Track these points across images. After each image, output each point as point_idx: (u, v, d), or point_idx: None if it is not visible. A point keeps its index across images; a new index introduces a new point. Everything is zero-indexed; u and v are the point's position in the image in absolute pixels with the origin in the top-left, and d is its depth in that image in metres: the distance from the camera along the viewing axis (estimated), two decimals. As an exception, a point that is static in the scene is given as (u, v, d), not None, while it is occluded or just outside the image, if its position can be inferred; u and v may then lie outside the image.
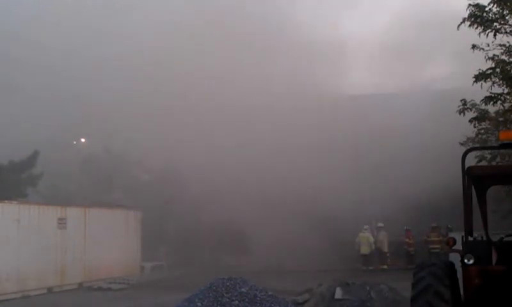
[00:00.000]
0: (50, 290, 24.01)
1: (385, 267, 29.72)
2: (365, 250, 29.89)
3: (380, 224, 30.87)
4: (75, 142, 33.14)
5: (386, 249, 30.34)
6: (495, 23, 19.70)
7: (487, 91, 19.78)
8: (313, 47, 34.12)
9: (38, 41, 32.12)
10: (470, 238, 10.06)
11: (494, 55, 19.81)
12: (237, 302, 14.53)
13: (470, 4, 19.70)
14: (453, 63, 31.23)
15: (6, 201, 23.24)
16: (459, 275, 9.99)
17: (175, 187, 30.68)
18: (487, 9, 19.62)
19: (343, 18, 39.74)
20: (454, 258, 10.47)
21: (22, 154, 30.14)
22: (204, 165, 30.68)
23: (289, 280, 23.36)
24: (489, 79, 19.62)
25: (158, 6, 34.61)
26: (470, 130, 21.12)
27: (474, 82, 19.60)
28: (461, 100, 20.22)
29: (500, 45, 19.71)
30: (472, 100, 20.26)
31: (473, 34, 19.90)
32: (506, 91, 19.66)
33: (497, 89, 19.81)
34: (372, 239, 30.22)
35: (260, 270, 24.58)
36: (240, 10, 34.20)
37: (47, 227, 24.13)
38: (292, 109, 31.34)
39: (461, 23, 19.90)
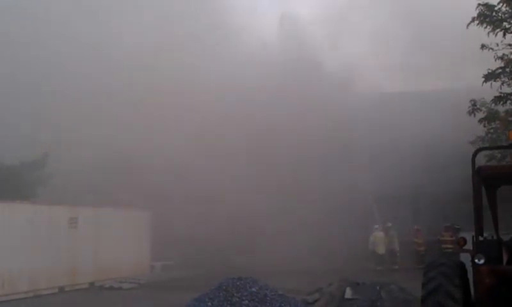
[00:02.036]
0: (61, 289, 24.11)
1: (396, 267, 29.63)
2: (381, 249, 29.84)
3: (389, 224, 30.80)
4: (85, 143, 33.19)
5: (397, 249, 30.28)
6: (505, 23, 19.72)
7: (496, 90, 19.80)
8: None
9: (47, 41, 32.29)
10: (481, 238, 10.08)
11: (503, 54, 19.83)
12: (247, 301, 14.58)
13: (479, 4, 19.74)
14: (461, 62, 31.18)
15: (18, 201, 23.36)
16: (470, 275, 10.00)
17: (184, 187, 30.72)
18: (496, 8, 19.65)
19: (350, 15, 39.54)
20: (465, 257, 10.48)
21: (33, 154, 30.26)
22: (213, 165, 30.76)
23: (298, 280, 23.34)
24: (498, 79, 19.64)
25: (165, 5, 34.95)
26: (480, 129, 21.15)
27: (484, 82, 19.61)
28: (470, 101, 20.24)
29: (510, 45, 19.74)
30: (482, 98, 20.27)
31: (482, 33, 19.93)
32: (516, 90, 19.70)
33: (507, 89, 19.83)
34: (387, 239, 30.17)
35: (269, 269, 24.56)
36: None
37: (58, 227, 24.22)
38: (298, 106, 31.43)
39: (470, 22, 19.93)
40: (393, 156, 31.67)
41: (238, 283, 15.15)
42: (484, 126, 20.63)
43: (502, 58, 19.83)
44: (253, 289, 15.07)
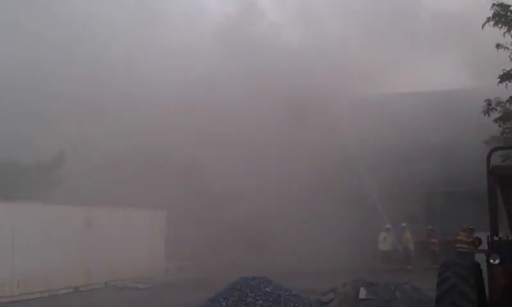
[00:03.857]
0: (76, 289, 24.24)
1: (409, 267, 29.52)
2: (381, 248, 29.84)
3: (403, 224, 30.73)
4: (100, 143, 33.35)
5: (412, 248, 30.19)
6: (521, 23, 19.63)
7: (512, 91, 19.72)
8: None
9: (62, 43, 32.52)
10: (496, 238, 10.05)
11: (519, 54, 19.75)
12: (261, 301, 14.61)
13: (494, 4, 19.67)
14: (477, 62, 31.07)
15: (33, 201, 23.47)
16: (485, 275, 9.99)
17: (199, 187, 30.82)
18: (511, 8, 19.57)
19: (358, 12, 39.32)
20: (480, 258, 10.46)
21: (48, 154, 30.43)
22: (227, 164, 30.81)
23: (312, 280, 23.32)
24: (513, 79, 19.56)
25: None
26: (495, 129, 21.08)
27: (499, 82, 19.53)
28: (485, 100, 20.15)
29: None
30: (497, 98, 20.17)
31: (497, 33, 19.86)
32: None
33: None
34: (389, 239, 30.08)
35: (282, 269, 24.54)
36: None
37: (73, 227, 24.33)
38: (314, 106, 31.43)
39: (486, 22, 19.86)
40: (407, 155, 31.67)
41: (252, 283, 15.19)
42: (500, 126, 20.55)
43: (517, 58, 19.75)
44: (267, 289, 15.10)
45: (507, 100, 19.87)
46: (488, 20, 19.79)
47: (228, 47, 34.70)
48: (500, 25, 19.69)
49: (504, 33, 19.64)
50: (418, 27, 35.08)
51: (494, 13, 19.68)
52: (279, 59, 32.90)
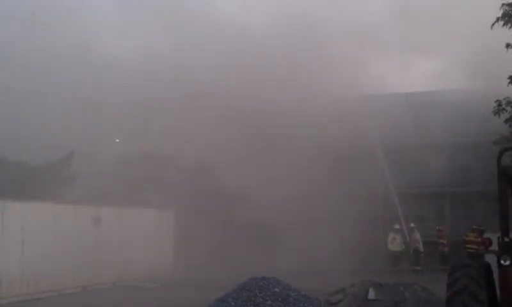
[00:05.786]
0: (84, 288, 24.27)
1: (418, 268, 29.38)
2: (390, 248, 29.76)
3: (412, 225, 30.63)
4: (109, 143, 33.45)
5: (421, 249, 30.05)
6: (530, 23, 19.55)
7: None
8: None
9: (72, 44, 32.69)
10: (506, 239, 10.01)
11: (529, 54, 19.66)
12: (270, 301, 14.63)
13: (503, 4, 19.58)
14: (485, 62, 30.97)
15: (43, 201, 23.53)
16: (496, 276, 9.95)
17: (207, 186, 30.83)
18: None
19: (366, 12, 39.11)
20: (491, 258, 10.43)
21: (58, 154, 30.52)
22: (235, 164, 30.83)
23: (320, 280, 23.27)
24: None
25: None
26: (504, 129, 21.03)
27: (510, 83, 19.45)
28: (495, 101, 20.07)
29: (536, 44, 19.56)
30: (507, 98, 20.10)
31: (507, 33, 19.79)
32: (541, 90, 19.49)
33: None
34: (398, 239, 29.96)
35: (291, 269, 24.51)
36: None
37: (82, 226, 24.37)
38: (324, 108, 31.40)
39: (495, 22, 19.77)
40: (417, 155, 31.62)
41: (261, 283, 15.21)
42: (510, 127, 20.48)
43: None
44: (276, 289, 15.12)
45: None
46: (498, 20, 19.70)
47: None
48: (509, 25, 19.60)
49: (515, 33, 19.57)
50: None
51: (503, 13, 19.59)
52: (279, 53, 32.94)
